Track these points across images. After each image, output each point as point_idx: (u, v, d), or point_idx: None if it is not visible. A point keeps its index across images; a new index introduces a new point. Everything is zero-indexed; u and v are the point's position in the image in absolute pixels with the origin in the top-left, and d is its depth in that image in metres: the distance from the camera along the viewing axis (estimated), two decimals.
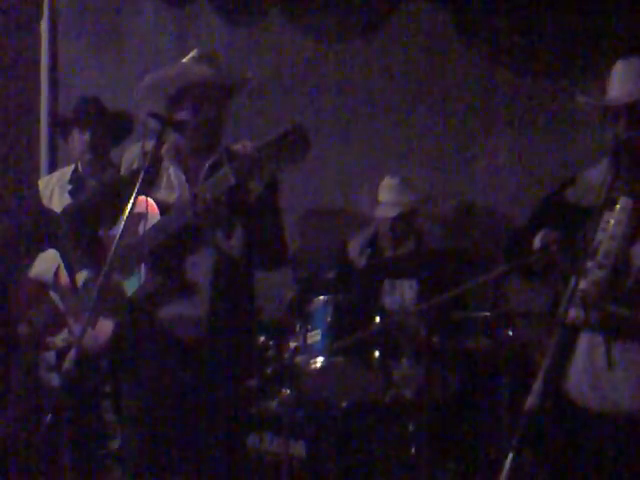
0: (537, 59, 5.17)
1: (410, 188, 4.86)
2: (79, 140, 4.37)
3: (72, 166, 4.52)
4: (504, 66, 5.20)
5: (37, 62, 5.58)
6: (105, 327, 3.32)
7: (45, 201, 4.44)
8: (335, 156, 5.36)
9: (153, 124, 3.29)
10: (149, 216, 3.23)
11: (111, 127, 4.40)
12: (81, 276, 3.42)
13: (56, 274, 4.13)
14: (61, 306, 4.15)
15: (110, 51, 5.58)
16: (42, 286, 4.22)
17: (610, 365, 2.91)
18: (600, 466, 2.98)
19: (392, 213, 4.80)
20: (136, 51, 5.48)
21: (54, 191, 4.44)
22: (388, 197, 4.84)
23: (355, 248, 4.93)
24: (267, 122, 5.08)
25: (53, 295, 4.22)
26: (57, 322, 4.17)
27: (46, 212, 4.34)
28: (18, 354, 4.35)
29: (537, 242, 3.02)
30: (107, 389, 4.07)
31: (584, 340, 2.98)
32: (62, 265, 4.00)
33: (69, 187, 4.42)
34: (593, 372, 2.96)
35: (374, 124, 5.37)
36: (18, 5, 5.57)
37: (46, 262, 4.22)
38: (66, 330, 4.13)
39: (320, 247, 5.25)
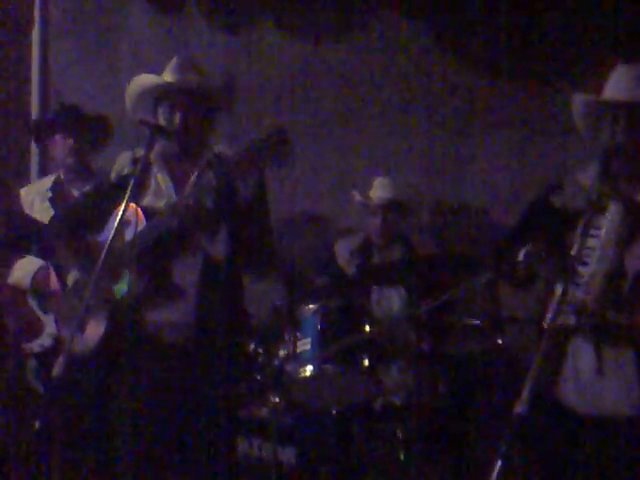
0: (531, 62, 5.17)
1: (401, 185, 4.89)
2: (62, 145, 4.36)
3: (53, 175, 4.50)
4: (498, 70, 5.20)
5: (28, 67, 5.57)
6: (94, 331, 3.32)
7: (26, 209, 4.42)
8: (328, 160, 5.37)
9: (144, 131, 3.32)
10: (136, 222, 3.24)
11: (92, 133, 4.40)
12: (71, 277, 3.44)
13: (34, 278, 4.14)
14: (38, 312, 4.16)
15: (101, 57, 5.57)
16: (20, 292, 4.22)
17: (600, 371, 2.91)
18: (590, 469, 2.98)
19: (385, 195, 4.81)
20: (127, 57, 5.48)
21: (35, 199, 4.43)
22: (380, 192, 4.87)
23: (343, 255, 4.93)
24: (259, 127, 5.07)
25: (30, 301, 4.23)
26: (34, 328, 4.17)
27: (26, 219, 4.33)
28: (4, 360, 4.34)
29: (521, 256, 3.01)
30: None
31: (575, 346, 2.98)
32: (51, 270, 4.01)
33: (49, 195, 4.40)
34: (579, 377, 2.96)
35: (367, 128, 5.38)
36: (9, 10, 5.56)
37: (24, 268, 4.22)
38: (43, 335, 4.13)
39: (310, 254, 5.25)
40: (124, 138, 4.35)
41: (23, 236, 4.27)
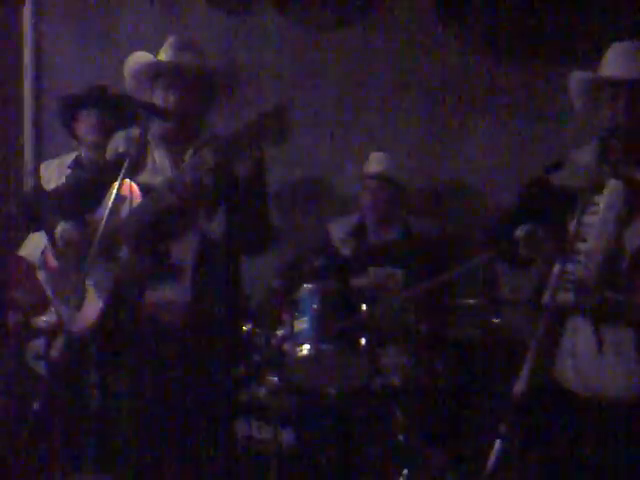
0: (531, 44, 5.15)
1: (394, 161, 4.91)
2: (86, 121, 4.42)
3: (74, 153, 4.55)
4: (498, 51, 5.19)
5: (20, 50, 5.53)
6: (91, 310, 3.32)
7: (44, 183, 4.47)
8: (324, 142, 5.36)
9: (137, 111, 3.31)
10: (132, 199, 3.23)
11: (116, 110, 4.42)
12: (59, 228, 3.44)
13: (44, 254, 4.15)
14: (47, 287, 4.16)
15: (96, 38, 5.53)
16: (30, 266, 4.23)
17: (600, 350, 2.90)
18: (589, 450, 2.97)
19: (379, 168, 4.82)
20: (123, 38, 5.44)
21: (52, 175, 4.48)
22: (374, 166, 4.88)
23: (339, 235, 4.92)
24: (251, 108, 5.04)
25: (40, 275, 4.23)
26: (42, 303, 4.19)
27: (40, 194, 4.35)
28: (7, 340, 4.35)
29: (519, 236, 3.00)
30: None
31: (573, 325, 2.97)
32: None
33: (67, 172, 4.44)
34: (577, 356, 2.95)
35: (361, 110, 5.37)
36: None
37: (36, 242, 4.23)
38: (51, 312, 4.14)
39: (306, 234, 5.25)
40: None
41: (34, 210, 4.29)
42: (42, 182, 4.50)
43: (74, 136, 4.59)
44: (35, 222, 3.99)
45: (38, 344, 4.27)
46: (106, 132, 4.37)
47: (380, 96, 5.37)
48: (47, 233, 3.65)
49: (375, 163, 4.89)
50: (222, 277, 3.39)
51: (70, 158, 4.53)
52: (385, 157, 4.91)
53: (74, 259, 3.43)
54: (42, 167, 4.62)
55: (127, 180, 3.20)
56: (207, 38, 5.16)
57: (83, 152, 4.49)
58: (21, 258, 4.30)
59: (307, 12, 5.40)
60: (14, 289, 4.32)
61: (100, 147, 4.36)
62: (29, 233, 4.30)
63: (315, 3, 5.38)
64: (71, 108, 4.52)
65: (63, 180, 4.37)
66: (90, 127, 4.42)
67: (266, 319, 4.40)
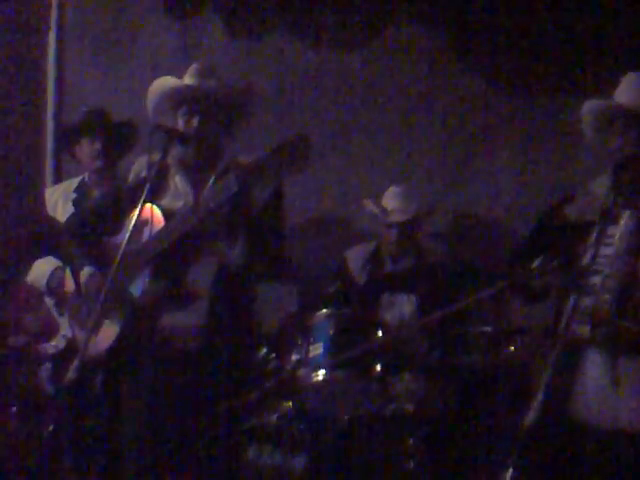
0: (535, 76, 5.18)
1: (415, 196, 4.89)
2: (89, 149, 4.41)
3: (79, 177, 4.56)
4: (503, 83, 5.22)
5: (44, 73, 5.60)
6: (108, 333, 3.33)
7: (49, 209, 4.48)
8: (336, 169, 5.38)
9: (159, 136, 3.33)
10: (154, 223, 3.25)
11: (118, 137, 4.44)
12: (84, 273, 3.46)
13: (50, 279, 4.17)
14: (54, 313, 4.20)
15: (116, 62, 5.60)
16: (37, 292, 4.25)
17: (617, 382, 2.89)
18: None
19: (402, 218, 4.80)
20: (142, 62, 5.50)
21: (58, 200, 4.49)
22: (396, 204, 4.86)
23: (355, 263, 4.93)
24: (269, 134, 5.08)
25: (47, 301, 4.27)
26: (50, 328, 4.21)
27: (48, 220, 4.38)
28: (14, 364, 4.37)
29: (535, 269, 3.00)
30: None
31: (589, 357, 2.95)
32: (67, 271, 4.03)
33: (73, 196, 4.45)
34: (593, 389, 2.93)
35: (375, 137, 5.39)
36: (25, 17, 5.59)
37: (42, 268, 4.26)
38: (59, 337, 4.17)
39: (321, 260, 5.25)
40: (140, 142, 4.40)
41: (43, 236, 4.31)
42: (48, 208, 4.51)
43: (77, 161, 4.59)
44: (47, 247, 4.04)
45: (49, 367, 4.29)
46: (110, 157, 4.41)
47: (396, 122, 5.39)
48: (65, 257, 3.67)
49: (398, 200, 4.85)
50: (238, 303, 3.41)
51: (75, 183, 4.54)
52: (405, 195, 4.87)
53: (92, 282, 3.46)
54: (47, 193, 4.62)
55: (149, 204, 3.23)
56: (225, 63, 5.22)
57: (87, 176, 4.50)
58: (27, 284, 4.32)
59: (322, 38, 5.45)
60: (23, 314, 4.34)
61: (105, 171, 4.40)
62: (36, 259, 4.31)
63: (328, 27, 5.43)
64: (72, 139, 4.52)
65: (69, 205, 4.42)
66: (94, 153, 4.40)
67: (281, 344, 4.41)
